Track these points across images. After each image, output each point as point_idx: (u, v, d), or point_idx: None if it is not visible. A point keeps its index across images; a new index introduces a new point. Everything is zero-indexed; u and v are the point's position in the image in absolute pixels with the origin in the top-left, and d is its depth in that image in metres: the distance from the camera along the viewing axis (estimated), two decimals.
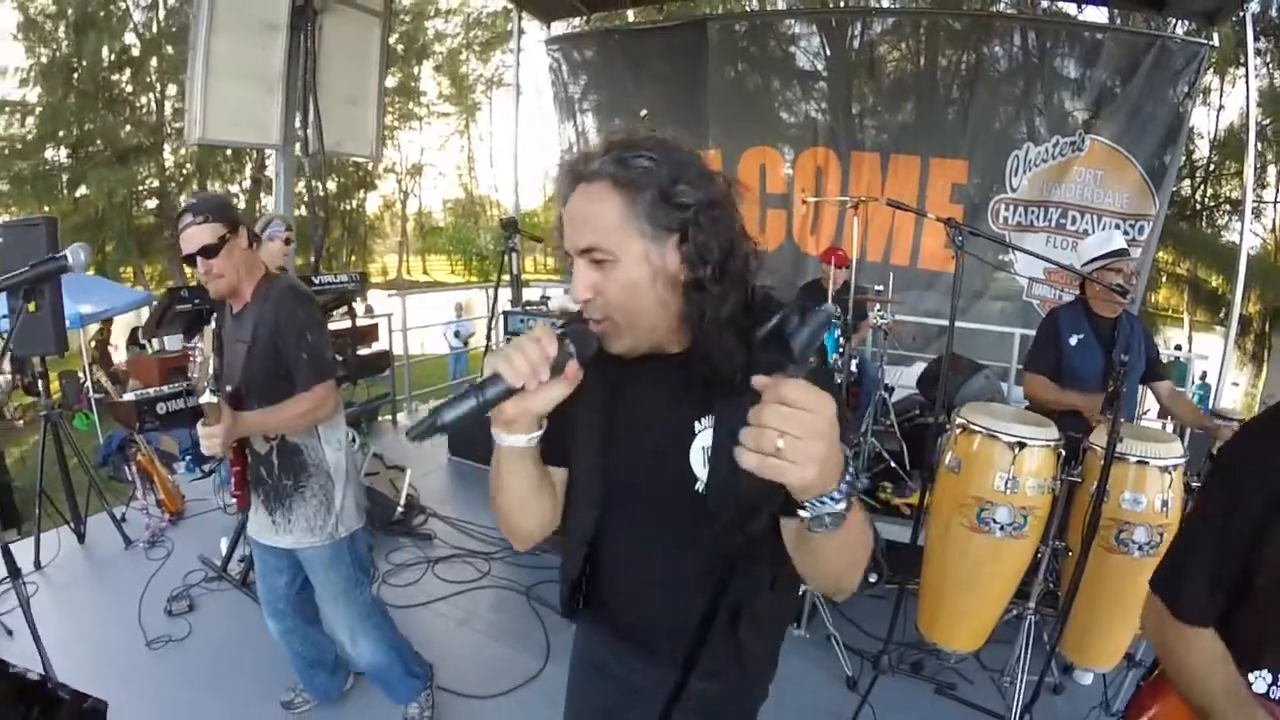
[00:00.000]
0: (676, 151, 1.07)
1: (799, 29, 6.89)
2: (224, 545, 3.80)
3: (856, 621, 3.29)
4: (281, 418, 2.17)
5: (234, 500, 2.38)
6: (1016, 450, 2.27)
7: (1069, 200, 5.57)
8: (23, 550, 3.81)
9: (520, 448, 1.07)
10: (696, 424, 1.12)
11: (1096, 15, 6.09)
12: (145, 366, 3.36)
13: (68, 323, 4.00)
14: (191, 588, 3.60)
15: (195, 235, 2.11)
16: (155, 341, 3.83)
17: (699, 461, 1.12)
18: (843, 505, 0.81)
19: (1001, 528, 2.29)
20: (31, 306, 3.55)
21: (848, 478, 0.81)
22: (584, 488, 1.24)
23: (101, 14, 19.79)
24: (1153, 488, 2.29)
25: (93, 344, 13.01)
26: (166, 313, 3.09)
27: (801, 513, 0.82)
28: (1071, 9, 6.73)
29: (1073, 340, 3.05)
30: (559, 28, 8.08)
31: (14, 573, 1.86)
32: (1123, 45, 5.62)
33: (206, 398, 1.98)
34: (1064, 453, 2.36)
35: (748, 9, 7.80)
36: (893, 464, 4.32)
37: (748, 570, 1.10)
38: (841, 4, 7.20)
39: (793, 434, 0.74)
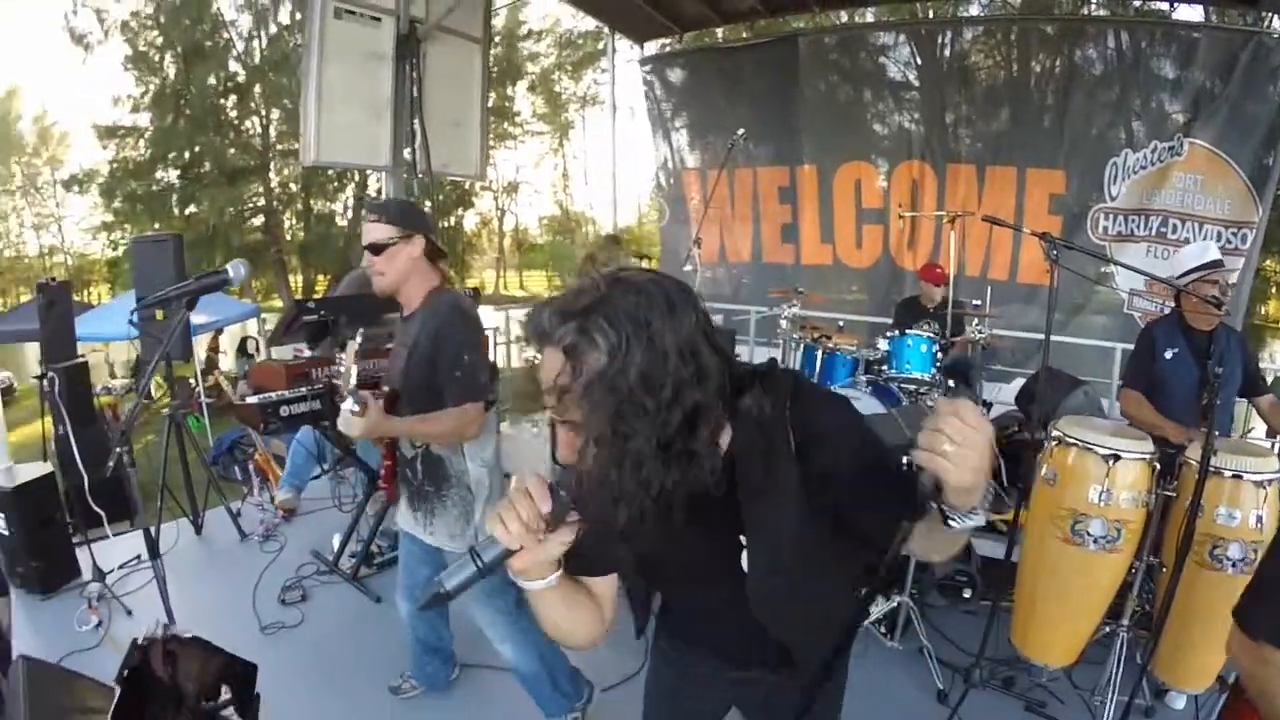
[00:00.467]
0: (641, 291, 0.99)
1: (888, 40, 6.85)
2: (336, 541, 4.03)
3: (949, 635, 3.26)
4: (427, 429, 2.25)
5: (382, 491, 2.54)
6: (1111, 463, 2.25)
7: (1169, 208, 5.37)
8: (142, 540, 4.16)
9: (541, 590, 1.10)
10: (738, 538, 1.18)
11: (1190, 14, 5.87)
12: (271, 372, 3.61)
13: None
14: (304, 579, 3.83)
15: (370, 231, 2.26)
16: (274, 350, 4.12)
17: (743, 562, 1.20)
18: (982, 520, 0.93)
19: (1095, 540, 2.27)
20: (159, 314, 3.92)
21: (989, 502, 0.92)
22: (641, 586, 1.35)
23: (207, 44, 21.05)
24: (1247, 503, 2.24)
25: (204, 352, 13.90)
26: (293, 323, 3.33)
27: (951, 523, 0.93)
28: (1164, 7, 6.49)
29: (1168, 354, 3.00)
30: (651, 48, 8.26)
31: (154, 552, 2.06)
32: (1219, 43, 5.40)
33: (349, 405, 2.10)
34: (1159, 466, 2.33)
35: (836, 23, 7.77)
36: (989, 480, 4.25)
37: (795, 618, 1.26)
38: (930, 14, 7.10)
39: (959, 442, 0.85)
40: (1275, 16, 5.56)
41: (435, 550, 2.52)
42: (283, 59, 21.06)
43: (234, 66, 21.89)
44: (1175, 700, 2.81)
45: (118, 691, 1.54)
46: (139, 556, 3.91)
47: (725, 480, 1.09)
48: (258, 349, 13.67)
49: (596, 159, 30.48)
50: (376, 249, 2.23)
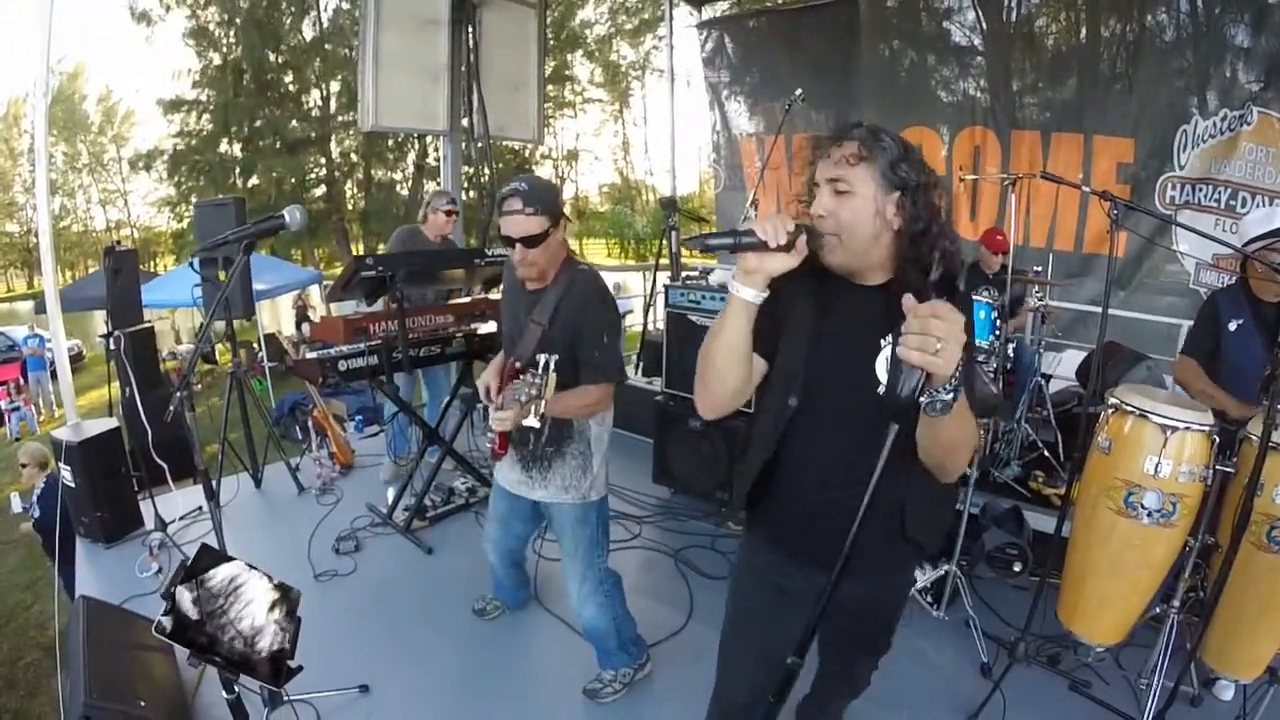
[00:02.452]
0: (908, 146, 1.40)
1: (953, 3, 6.61)
2: (390, 495, 4.16)
3: (996, 609, 3.24)
4: (567, 404, 2.25)
5: (492, 447, 2.55)
6: (1168, 434, 2.18)
7: (1236, 179, 5.07)
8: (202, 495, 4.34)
9: (749, 301, 1.36)
10: (882, 340, 1.43)
11: None
12: (331, 326, 3.71)
13: None
14: (358, 531, 3.98)
15: (520, 224, 2.20)
16: (333, 306, 4.25)
17: (881, 369, 1.44)
18: (950, 397, 1.13)
19: (1149, 514, 2.20)
20: (221, 275, 4.05)
21: (955, 379, 1.12)
22: (786, 377, 1.52)
23: (267, 21, 21.38)
24: None
25: (294, 308, 14.46)
26: (352, 279, 3.41)
27: (921, 398, 1.13)
28: None
29: (1232, 325, 2.87)
30: (709, 12, 8.12)
31: (210, 494, 2.17)
32: None
33: (531, 421, 2.05)
34: (1218, 440, 2.24)
35: None
36: (1046, 453, 4.17)
37: (909, 471, 1.39)
38: None
39: (942, 338, 1.06)
40: None
41: (531, 508, 2.65)
42: (339, 31, 21.30)
43: (292, 40, 22.21)
44: (1223, 690, 2.73)
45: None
46: (199, 508, 4.15)
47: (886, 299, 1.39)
48: (315, 310, 14.10)
49: (656, 127, 30.38)
50: (532, 242, 2.22)
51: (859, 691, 2.04)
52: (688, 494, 4.42)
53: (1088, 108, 5.83)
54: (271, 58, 21.76)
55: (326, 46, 21.86)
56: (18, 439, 11.46)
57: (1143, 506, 2.21)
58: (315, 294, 15.09)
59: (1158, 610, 2.49)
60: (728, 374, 1.44)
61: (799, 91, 5.12)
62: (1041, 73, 6.24)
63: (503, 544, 2.87)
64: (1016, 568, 3.37)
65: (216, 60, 21.68)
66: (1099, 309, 3.27)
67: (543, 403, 2.01)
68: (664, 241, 5.55)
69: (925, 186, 1.38)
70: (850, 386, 1.46)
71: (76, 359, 14.96)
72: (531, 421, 2.02)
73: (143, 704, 2.28)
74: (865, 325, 1.44)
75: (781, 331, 1.50)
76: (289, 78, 22.61)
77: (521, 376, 2.07)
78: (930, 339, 1.06)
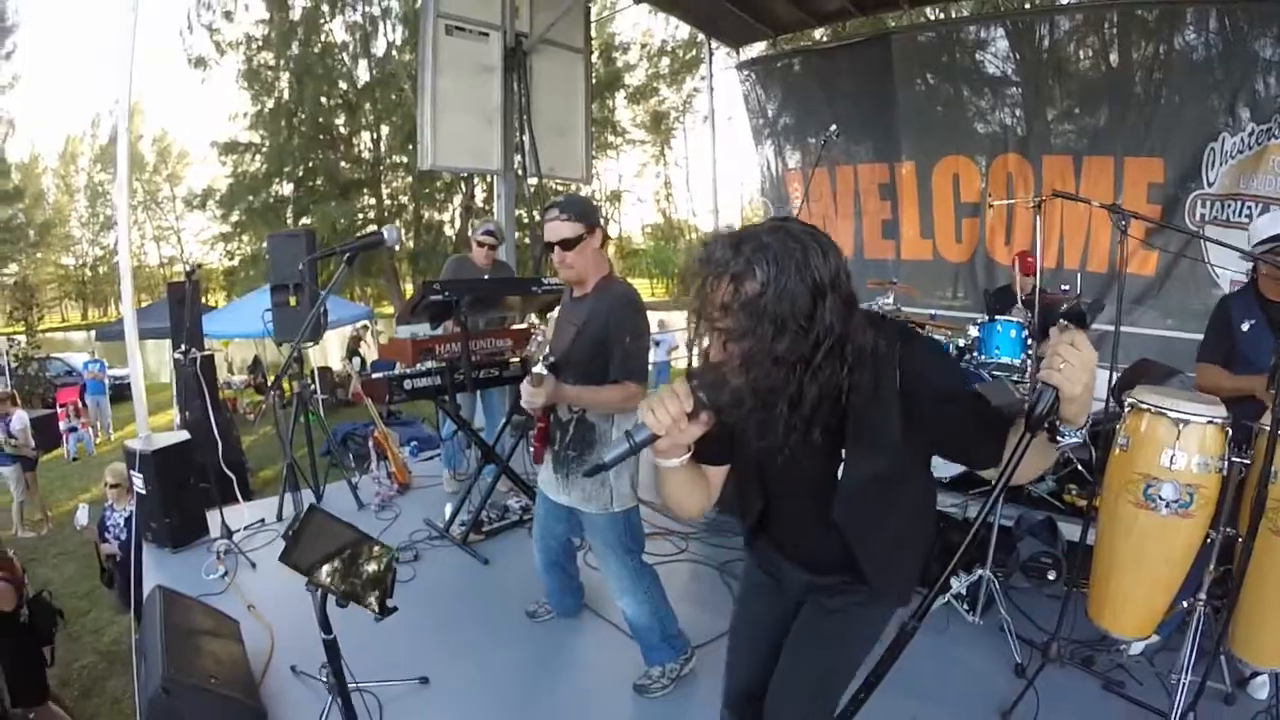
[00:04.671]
0: (800, 264, 1.24)
1: (984, 35, 6.79)
2: (448, 511, 4.39)
3: (1031, 616, 3.32)
4: (594, 398, 2.53)
5: (533, 450, 2.86)
6: (1181, 427, 2.29)
7: (1263, 193, 5.11)
8: (269, 507, 4.63)
9: (676, 466, 1.41)
10: (841, 452, 1.46)
11: None
12: (400, 347, 3.98)
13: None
14: (417, 543, 4.20)
15: (558, 229, 2.51)
16: (399, 330, 4.52)
17: (839, 473, 1.48)
18: (1081, 439, 1.22)
19: (1167, 505, 2.31)
20: (292, 301, 4.35)
21: (1087, 424, 1.22)
22: (749, 483, 1.64)
23: (319, 68, 22.15)
24: None
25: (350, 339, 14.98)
26: (420, 302, 3.66)
27: (1060, 438, 1.22)
28: None
29: (1244, 326, 3.01)
30: (748, 52, 8.43)
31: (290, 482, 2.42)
32: None
33: (539, 369, 2.43)
34: (1231, 432, 2.34)
35: (930, 19, 7.75)
36: (1079, 467, 4.26)
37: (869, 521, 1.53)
38: (1026, 5, 6.98)
39: (1073, 362, 1.13)
40: None
41: (567, 511, 2.85)
42: (390, 77, 22.06)
43: (343, 85, 23.06)
44: (1259, 689, 2.79)
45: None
46: (262, 520, 4.41)
47: (835, 405, 1.36)
48: (367, 345, 14.57)
49: (698, 166, 30.78)
50: (568, 244, 2.51)
51: None
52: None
53: (1118, 130, 5.95)
54: (324, 101, 22.55)
55: (377, 92, 22.60)
56: (75, 459, 12.14)
57: (1160, 498, 2.31)
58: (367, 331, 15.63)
59: (1185, 604, 2.56)
60: (690, 502, 1.54)
61: (833, 127, 5.34)
62: (1073, 98, 6.37)
63: (543, 543, 3.09)
64: (1051, 576, 3.47)
65: (270, 103, 22.52)
66: (1131, 329, 3.41)
67: (546, 347, 2.36)
68: None
69: (825, 310, 1.26)
70: (807, 496, 1.55)
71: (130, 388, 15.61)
72: (539, 369, 2.36)
73: (214, 680, 2.50)
74: (812, 444, 1.36)
75: (731, 440, 1.53)
76: (341, 120, 23.39)
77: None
78: (1058, 357, 1.15)
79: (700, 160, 32.82)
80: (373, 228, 24.14)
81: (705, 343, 1.36)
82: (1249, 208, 5.28)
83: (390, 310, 24.31)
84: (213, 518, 4.19)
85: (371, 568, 2.05)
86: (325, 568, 2.00)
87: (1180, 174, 5.61)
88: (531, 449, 2.91)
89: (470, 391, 4.29)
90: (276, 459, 9.84)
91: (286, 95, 22.32)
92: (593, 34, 7.66)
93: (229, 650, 2.87)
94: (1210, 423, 2.32)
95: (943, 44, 7.04)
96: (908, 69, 7.08)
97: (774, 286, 1.21)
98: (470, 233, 4.93)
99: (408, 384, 3.83)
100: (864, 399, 1.37)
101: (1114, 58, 6.17)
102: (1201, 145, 5.51)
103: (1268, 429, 2.17)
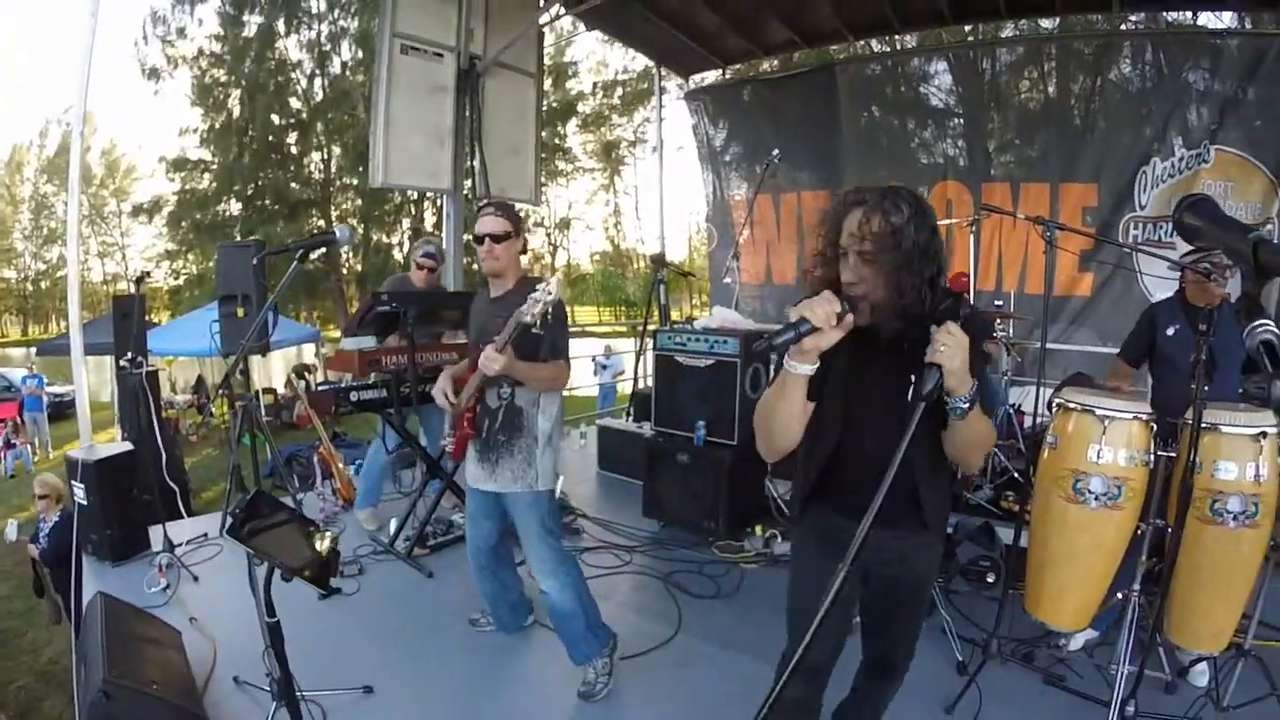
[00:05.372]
0: (923, 208, 1.64)
1: (927, 67, 7.04)
2: (393, 526, 4.34)
3: (971, 616, 3.40)
4: (536, 373, 2.72)
5: (452, 446, 2.95)
6: (1107, 423, 2.41)
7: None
8: (212, 522, 4.54)
9: (805, 374, 1.62)
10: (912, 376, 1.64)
11: (1218, 21, 5.98)
12: (347, 359, 3.94)
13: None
14: (361, 557, 4.14)
15: (490, 223, 2.78)
16: (345, 343, 4.46)
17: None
18: (966, 405, 1.57)
19: (1096, 498, 2.41)
20: (240, 312, 4.29)
21: (970, 393, 1.55)
22: (832, 410, 1.79)
23: (271, 85, 22.02)
24: (1243, 456, 2.37)
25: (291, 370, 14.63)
26: (368, 314, 3.65)
27: (946, 400, 1.52)
28: (1191, 16, 6.61)
29: (1169, 330, 3.21)
30: (697, 82, 8.60)
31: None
32: (1246, 49, 5.49)
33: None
34: (1156, 426, 2.46)
35: (874, 51, 8.01)
36: (1016, 475, 4.39)
37: (925, 463, 1.76)
38: (969, 38, 7.28)
39: (949, 345, 1.47)
40: None
41: (496, 500, 2.93)
42: (343, 96, 21.98)
43: (296, 104, 22.87)
44: (1198, 678, 2.89)
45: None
46: (205, 535, 4.31)
47: (916, 339, 1.61)
48: (313, 372, 14.28)
49: (647, 194, 31.09)
50: (497, 238, 2.78)
51: (896, 682, 2.16)
52: (677, 525, 4.60)
53: (1054, 158, 6.24)
54: (276, 119, 22.33)
55: (329, 112, 22.48)
56: (12, 476, 11.76)
57: (1089, 491, 2.42)
58: (310, 354, 15.36)
59: (1120, 596, 2.65)
60: (791, 431, 1.74)
61: (776, 152, 5.47)
62: (1012, 128, 6.66)
63: (474, 544, 3.12)
64: (990, 579, 3.57)
65: (221, 120, 22.23)
66: (1067, 346, 3.62)
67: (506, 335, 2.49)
68: (653, 296, 5.87)
69: (936, 249, 1.64)
70: (888, 415, 1.70)
71: (70, 405, 15.11)
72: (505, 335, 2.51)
73: (155, 686, 2.44)
74: (897, 369, 1.67)
75: (825, 379, 1.72)
76: (292, 139, 23.18)
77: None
78: (938, 343, 1.47)
79: (649, 189, 33.20)
80: (323, 251, 23.91)
81: (844, 269, 1.66)
82: None
83: (337, 334, 24.01)
84: (155, 532, 4.09)
85: (316, 547, 2.07)
86: (271, 544, 2.00)
87: (1114, 198, 5.92)
88: (449, 443, 3.00)
89: (418, 405, 4.25)
90: (219, 480, 9.60)
91: (238, 112, 22.10)
92: (548, 61, 7.76)
93: (171, 659, 2.80)
94: (1135, 418, 2.44)
95: (888, 76, 7.30)
96: (853, 100, 7.31)
97: (914, 220, 1.59)
98: (410, 253, 4.91)
99: (354, 396, 3.80)
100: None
101: (1052, 89, 6.47)
102: (1134, 170, 5.84)
103: (1190, 422, 2.28)
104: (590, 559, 4.23)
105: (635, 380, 6.97)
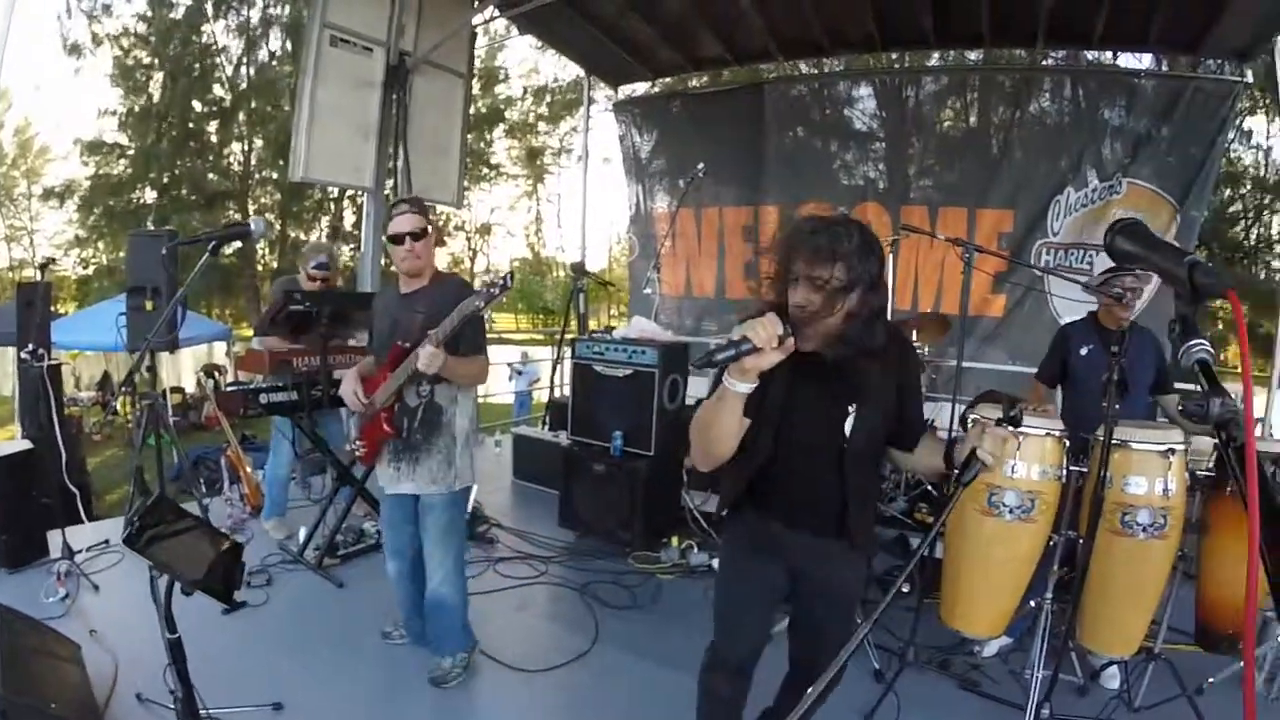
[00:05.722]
0: (872, 240, 1.71)
1: (854, 91, 7.23)
2: (303, 534, 4.17)
3: (887, 626, 3.41)
4: (464, 368, 2.70)
5: (362, 450, 2.91)
6: (1021, 439, 2.44)
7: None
8: (115, 528, 4.25)
9: (743, 393, 1.64)
10: (849, 408, 1.84)
11: (1137, 61, 6.32)
12: (257, 359, 3.77)
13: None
14: (270, 567, 3.96)
15: (409, 221, 2.73)
16: (256, 342, 4.26)
17: (848, 428, 1.85)
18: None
19: (1010, 511, 2.46)
20: (148, 305, 4.05)
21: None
22: (766, 426, 1.85)
23: (196, 66, 21.23)
24: (1152, 471, 2.47)
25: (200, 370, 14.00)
26: (279, 312, 3.50)
27: (967, 475, 1.56)
28: (1111, 56, 6.97)
29: (1083, 351, 3.34)
30: (626, 92, 8.62)
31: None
32: (1161, 88, 5.85)
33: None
34: (1069, 443, 2.56)
35: (802, 72, 8.19)
36: (929, 487, 4.50)
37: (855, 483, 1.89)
38: (895, 65, 7.53)
39: (999, 453, 1.59)
40: (1214, 61, 6.05)
41: (413, 502, 2.89)
42: (268, 85, 21.29)
43: (220, 91, 22.07)
44: (1109, 680, 3.03)
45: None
46: (107, 541, 4.06)
47: (852, 364, 1.75)
48: (224, 373, 13.73)
49: (570, 203, 30.99)
50: (417, 235, 2.74)
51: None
52: (593, 535, 4.56)
53: (972, 184, 6.49)
54: (198, 106, 21.47)
55: (253, 102, 21.74)
56: None
57: (1004, 505, 2.47)
58: (220, 353, 14.74)
59: (1033, 604, 2.75)
60: (727, 444, 1.77)
61: (701, 166, 5.54)
62: (933, 155, 6.90)
63: (394, 549, 3.05)
64: (905, 589, 3.63)
65: (141, 103, 21.25)
66: (979, 365, 3.77)
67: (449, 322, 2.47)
68: (573, 304, 5.83)
69: (884, 282, 1.74)
70: (821, 440, 1.87)
71: None
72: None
73: (54, 706, 2.27)
74: (833, 395, 1.84)
75: (763, 398, 1.77)
76: (213, 128, 22.31)
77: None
78: (1001, 456, 1.61)
79: (572, 197, 33.15)
80: (238, 246, 23.07)
81: (793, 293, 1.70)
82: (1090, 256, 5.86)
83: (250, 333, 23.16)
84: (54, 537, 3.85)
85: (220, 557, 1.95)
86: (172, 554, 1.89)
87: (1028, 224, 6.19)
88: (357, 448, 2.95)
89: (332, 408, 4.09)
90: (124, 483, 9.09)
91: (158, 97, 21.14)
92: (478, 65, 7.65)
93: (70, 674, 2.63)
94: (1048, 435, 2.52)
95: (814, 98, 7.48)
96: (779, 119, 7.45)
97: (865, 252, 1.67)
98: (300, 262, 4.42)
99: (264, 398, 3.64)
100: (879, 366, 1.80)
101: (973, 119, 6.75)
102: (1048, 198, 6.13)
103: (1103, 440, 2.37)
104: (505, 569, 4.16)
105: (552, 389, 6.92)
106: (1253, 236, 17.92)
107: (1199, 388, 1.02)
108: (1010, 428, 1.60)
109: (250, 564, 3.90)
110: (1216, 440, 0.99)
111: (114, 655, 2.99)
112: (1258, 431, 3.06)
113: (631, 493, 4.30)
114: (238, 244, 22.75)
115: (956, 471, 1.59)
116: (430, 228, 2.79)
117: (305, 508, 4.79)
